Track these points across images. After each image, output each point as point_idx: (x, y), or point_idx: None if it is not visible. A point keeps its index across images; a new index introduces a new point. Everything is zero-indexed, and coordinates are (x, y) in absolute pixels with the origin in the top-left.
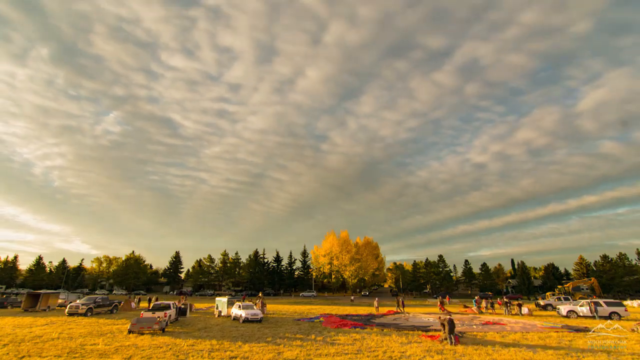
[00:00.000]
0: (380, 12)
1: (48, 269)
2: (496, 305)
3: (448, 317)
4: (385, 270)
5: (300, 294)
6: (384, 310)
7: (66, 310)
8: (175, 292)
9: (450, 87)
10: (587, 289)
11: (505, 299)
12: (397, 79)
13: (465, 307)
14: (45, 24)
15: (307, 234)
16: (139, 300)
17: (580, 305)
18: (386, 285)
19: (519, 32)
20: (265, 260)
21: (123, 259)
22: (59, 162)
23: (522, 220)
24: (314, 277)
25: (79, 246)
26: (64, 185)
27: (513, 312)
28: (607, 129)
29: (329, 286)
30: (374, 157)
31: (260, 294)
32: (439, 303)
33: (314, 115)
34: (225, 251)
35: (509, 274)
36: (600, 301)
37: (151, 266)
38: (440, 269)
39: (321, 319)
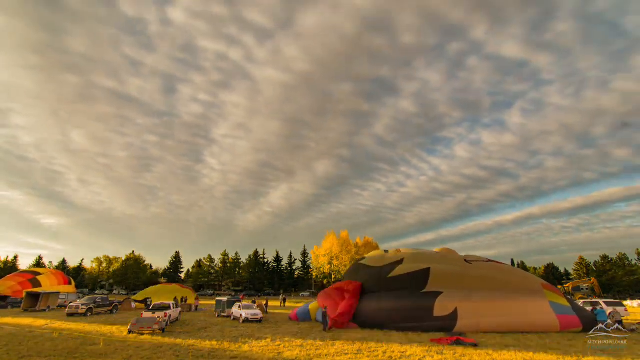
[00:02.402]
0: None
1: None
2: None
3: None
4: None
5: (300, 294)
6: None
7: (66, 310)
8: None
9: None
10: (587, 289)
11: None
12: None
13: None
14: None
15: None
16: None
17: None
18: None
19: None
20: (265, 261)
21: (123, 259)
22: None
23: (523, 218)
24: (314, 277)
25: (80, 247)
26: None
27: None
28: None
29: (328, 286)
30: None
31: (264, 301)
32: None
33: None
34: (225, 251)
35: None
36: (600, 301)
37: (151, 266)
38: None
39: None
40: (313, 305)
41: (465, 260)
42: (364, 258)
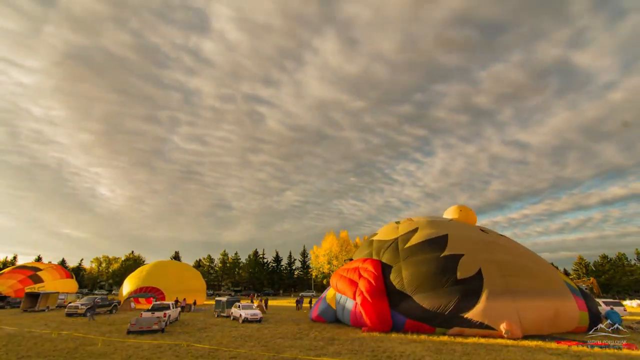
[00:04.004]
0: None
1: None
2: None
3: None
4: None
5: (300, 294)
6: None
7: (65, 310)
8: None
9: None
10: (586, 289)
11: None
12: None
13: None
14: None
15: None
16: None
17: None
18: None
19: None
20: (265, 260)
21: (122, 259)
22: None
23: (523, 217)
24: (313, 277)
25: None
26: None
27: None
28: None
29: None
30: None
31: (260, 300)
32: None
33: None
34: (224, 251)
35: None
36: (599, 301)
37: None
38: None
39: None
40: (330, 293)
41: (480, 229)
42: (375, 234)
